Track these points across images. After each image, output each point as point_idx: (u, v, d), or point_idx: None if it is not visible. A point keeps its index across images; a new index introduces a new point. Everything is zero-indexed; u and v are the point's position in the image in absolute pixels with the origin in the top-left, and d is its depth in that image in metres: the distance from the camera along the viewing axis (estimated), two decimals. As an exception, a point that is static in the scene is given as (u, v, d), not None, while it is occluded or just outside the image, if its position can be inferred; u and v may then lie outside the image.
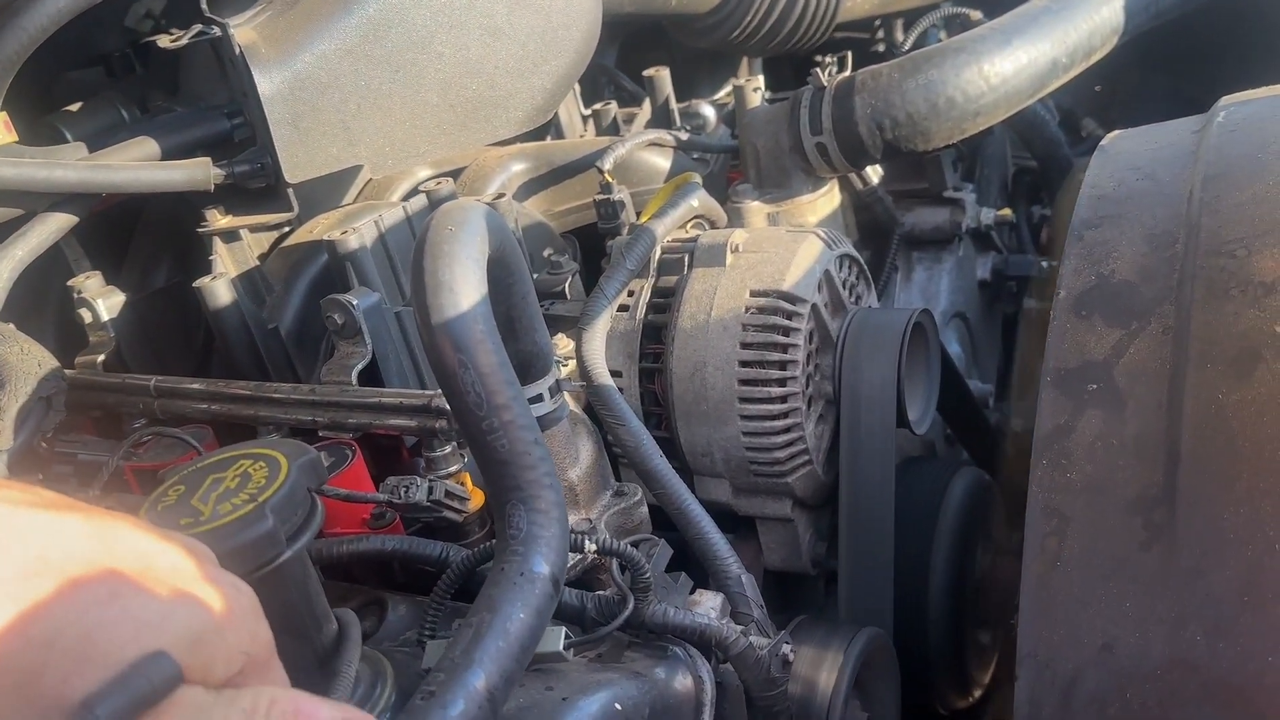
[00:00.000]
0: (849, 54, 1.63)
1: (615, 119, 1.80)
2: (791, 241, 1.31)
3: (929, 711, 1.51)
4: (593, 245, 1.58)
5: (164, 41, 1.28)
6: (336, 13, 1.26)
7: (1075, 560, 0.89)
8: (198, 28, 1.26)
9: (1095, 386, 0.95)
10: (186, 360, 1.47)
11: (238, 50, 1.21)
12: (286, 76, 1.23)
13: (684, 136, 1.68)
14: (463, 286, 0.86)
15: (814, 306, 1.28)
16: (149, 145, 1.28)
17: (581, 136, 1.84)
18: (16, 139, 1.00)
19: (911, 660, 1.32)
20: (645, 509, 1.14)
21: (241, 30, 1.23)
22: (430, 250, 0.87)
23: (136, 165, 1.25)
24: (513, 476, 0.86)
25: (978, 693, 1.59)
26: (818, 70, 1.56)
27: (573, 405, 1.18)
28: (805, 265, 1.28)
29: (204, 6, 1.30)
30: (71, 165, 1.20)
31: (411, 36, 1.31)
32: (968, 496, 1.47)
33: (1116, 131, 1.35)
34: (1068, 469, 0.92)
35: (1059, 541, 0.90)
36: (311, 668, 0.82)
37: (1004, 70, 1.55)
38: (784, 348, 1.24)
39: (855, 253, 1.40)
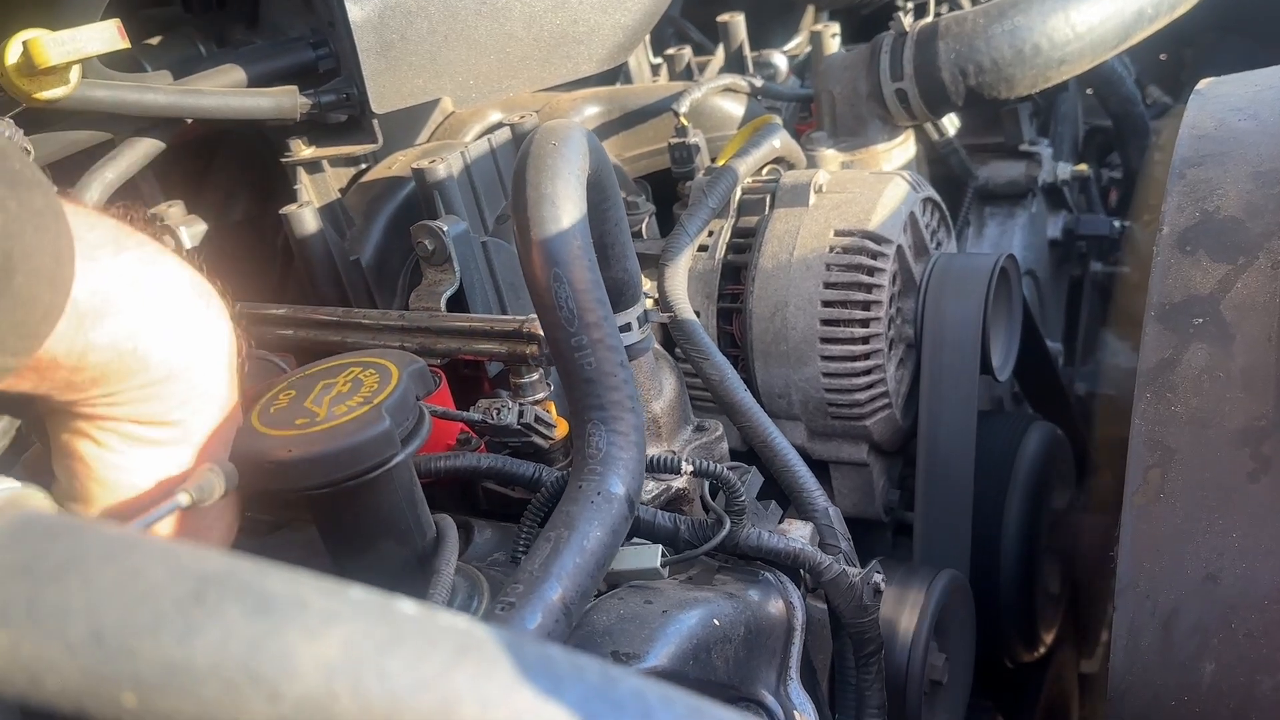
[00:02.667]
0: (930, 1, 1.61)
1: (689, 64, 1.79)
2: (876, 182, 1.29)
3: (995, 663, 1.51)
4: (664, 191, 1.57)
5: (254, -31, 1.28)
6: (426, -59, 1.26)
7: (1179, 492, 0.88)
8: (287, -45, 1.26)
9: (1201, 320, 0.94)
10: (264, 292, 1.48)
11: (329, -23, 1.21)
12: (376, 4, 1.23)
13: (758, 83, 1.66)
14: (564, 201, 0.86)
15: (899, 248, 1.27)
16: (236, 74, 1.28)
17: (653, 83, 1.83)
18: (130, 45, 1.01)
19: (982, 610, 1.32)
20: (725, 444, 1.14)
21: (332, -42, 1.23)
22: (534, 163, 0.87)
23: (225, 91, 1.26)
24: (596, 395, 0.86)
25: (1042, 649, 1.58)
26: (900, 15, 1.54)
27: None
28: (891, 206, 1.26)
29: (291, -64, 1.31)
30: (162, 90, 1.20)
31: (499, -32, 1.31)
32: (1042, 450, 1.46)
33: (1209, 79, 1.33)
34: (1172, 402, 0.91)
35: (1163, 474, 0.89)
36: (414, 569, 0.83)
37: (1090, 18, 1.52)
38: (868, 288, 1.23)
39: (937, 197, 1.39)
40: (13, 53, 0.94)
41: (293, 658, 0.33)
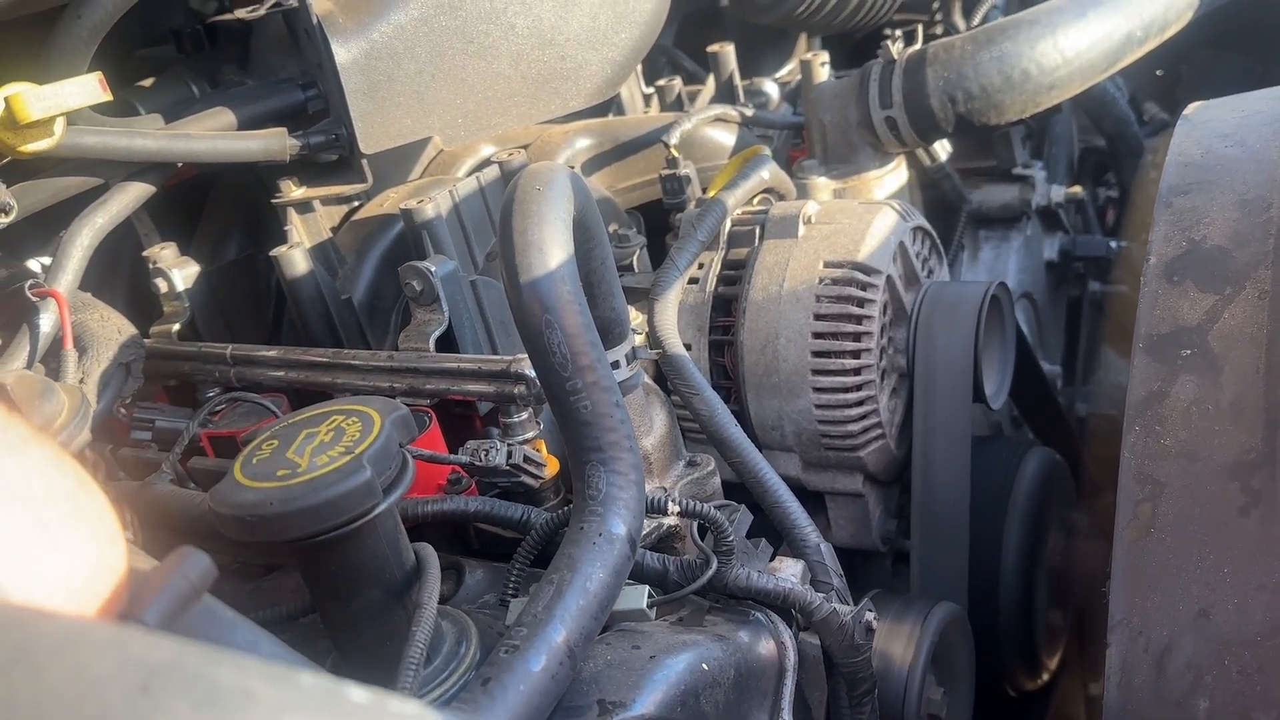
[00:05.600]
0: (919, 28, 1.61)
1: (680, 95, 1.79)
2: (865, 213, 1.29)
3: (997, 692, 1.50)
4: (656, 222, 1.57)
5: (242, 12, 1.29)
6: (412, -18, 1.26)
7: (1170, 526, 0.87)
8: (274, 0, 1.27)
9: (1189, 352, 0.93)
10: (257, 331, 1.48)
11: (315, 20, 1.22)
12: (363, 46, 1.24)
13: (749, 112, 1.67)
14: (551, 246, 0.86)
15: (889, 278, 1.26)
16: (225, 116, 1.29)
17: (645, 114, 1.84)
18: (112, 98, 1.01)
19: (982, 639, 1.31)
20: (718, 479, 1.14)
21: (318, 1, 1.24)
22: (519, 209, 0.87)
23: (214, 135, 1.26)
24: (594, 438, 0.86)
25: (1045, 676, 1.57)
26: (888, 43, 1.55)
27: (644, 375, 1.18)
28: (880, 236, 1.26)
29: (279, -22, 1.31)
30: (151, 135, 1.21)
31: (484, 7, 1.31)
32: (1040, 476, 1.45)
33: (1198, 102, 1.32)
34: (1161, 435, 0.90)
35: (1153, 508, 0.88)
36: (399, 610, 0.82)
37: (1079, 43, 1.52)
38: (859, 319, 1.23)
39: (928, 225, 1.39)
40: (-4, 108, 0.95)
41: (239, 753, 0.33)
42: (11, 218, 0.97)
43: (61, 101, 0.94)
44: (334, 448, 0.78)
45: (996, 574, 1.39)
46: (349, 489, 0.74)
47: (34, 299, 1.14)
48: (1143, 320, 0.97)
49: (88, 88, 0.95)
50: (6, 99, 0.94)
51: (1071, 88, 1.55)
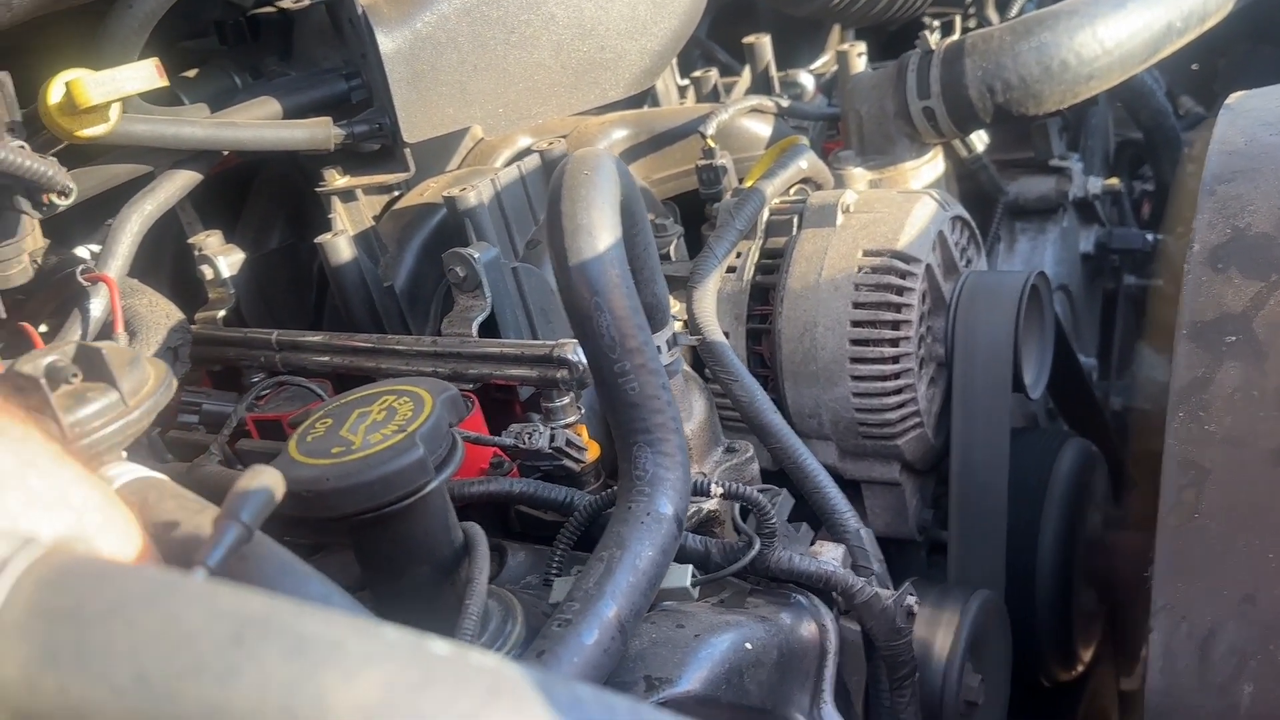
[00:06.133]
0: (956, 19, 1.61)
1: (716, 86, 1.80)
2: (904, 202, 1.30)
3: (1031, 682, 1.50)
4: (691, 212, 1.58)
5: (286, 3, 1.30)
6: (455, -28, 1.28)
7: (1214, 512, 0.87)
8: (320, -11, 1.29)
9: (1233, 339, 0.93)
10: (300, 318, 1.50)
11: (360, 10, 1.23)
12: (407, 36, 1.25)
13: (785, 103, 1.67)
14: (600, 230, 0.87)
15: (928, 267, 1.27)
16: (271, 105, 1.31)
17: (680, 105, 1.84)
18: (168, 83, 1.03)
19: (1018, 629, 1.31)
20: (756, 466, 1.15)
21: (363, -10, 1.25)
22: (568, 194, 0.88)
23: (260, 124, 1.28)
24: (641, 419, 0.88)
25: (1080, 668, 1.57)
26: (926, 33, 1.55)
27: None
28: (919, 225, 1.27)
29: (324, -30, 1.33)
30: (199, 123, 1.23)
31: (526, -2, 1.33)
32: (1077, 467, 1.45)
33: (1240, 92, 1.32)
34: (1205, 421, 0.90)
35: (1197, 493, 0.88)
36: (448, 588, 0.84)
37: (1118, 33, 1.52)
38: (898, 307, 1.23)
39: (966, 215, 1.39)
40: (55, 93, 0.96)
41: (329, 699, 0.34)
42: (70, 200, 0.99)
43: (119, 86, 0.96)
44: (387, 426, 0.80)
45: (1033, 564, 1.39)
46: (402, 466, 0.76)
47: (85, 284, 1.16)
48: (1186, 307, 0.97)
49: (144, 73, 0.97)
50: (67, 84, 0.96)
51: (1110, 78, 1.54)
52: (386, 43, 1.23)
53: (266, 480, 0.60)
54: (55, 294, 1.21)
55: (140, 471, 0.78)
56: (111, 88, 0.96)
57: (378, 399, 0.84)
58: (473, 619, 0.75)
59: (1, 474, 0.45)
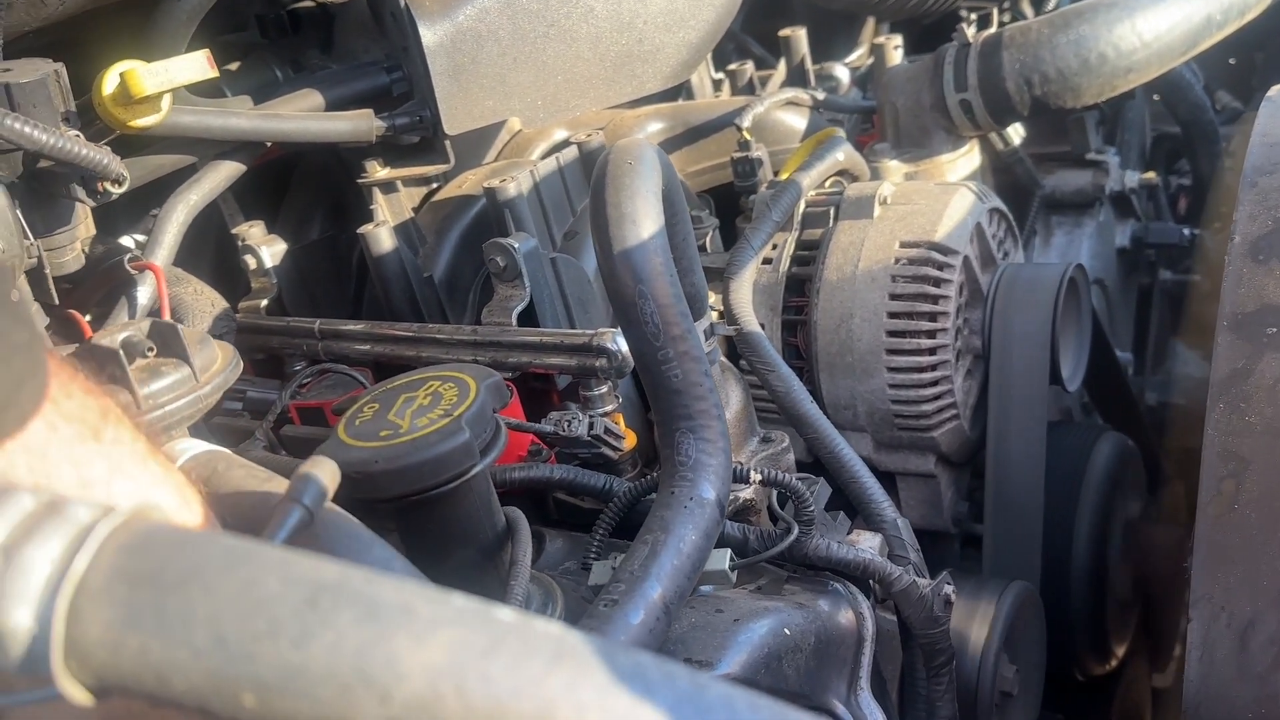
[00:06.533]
0: (993, 11, 1.61)
1: (751, 79, 1.80)
2: (942, 194, 1.30)
3: (1065, 676, 1.49)
4: (727, 205, 1.59)
5: (330, -4, 1.32)
6: (495, -35, 1.29)
7: (1254, 502, 0.87)
8: (361, -18, 1.31)
9: (1275, 330, 0.93)
10: (340, 309, 1.52)
11: (402, 3, 1.25)
12: (448, 29, 1.26)
13: (820, 96, 1.67)
14: (643, 219, 0.88)
15: (965, 259, 1.27)
16: (313, 98, 1.33)
17: (715, 98, 1.85)
18: (218, 74, 1.05)
19: (1052, 623, 1.31)
20: (792, 456, 1.15)
21: (404, -16, 1.27)
22: (612, 183, 0.89)
23: (304, 116, 1.30)
24: (684, 406, 0.89)
25: (1114, 662, 1.56)
26: (963, 26, 1.54)
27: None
28: (957, 217, 1.27)
29: (365, -37, 1.35)
30: (244, 114, 1.25)
31: (566, -11, 1.34)
32: (1113, 461, 1.44)
33: (1281, 85, 1.31)
34: (1246, 412, 0.90)
35: (1237, 484, 0.88)
36: (491, 570, 0.85)
37: (1157, 26, 1.51)
38: (935, 299, 1.23)
39: (1004, 207, 1.39)
40: (110, 83, 0.99)
41: (401, 662, 0.35)
42: (123, 188, 1.01)
43: (172, 77, 0.98)
44: (433, 411, 0.81)
45: (1068, 558, 1.39)
46: (449, 449, 0.77)
47: (133, 272, 1.18)
48: (1227, 299, 0.97)
49: (196, 64, 0.99)
50: (121, 75, 0.98)
51: (1149, 71, 1.53)
52: (429, 35, 1.25)
53: (326, 468, 0.62)
54: (103, 282, 1.23)
55: (205, 446, 0.80)
56: (164, 78, 0.98)
57: (423, 384, 0.86)
58: (518, 599, 0.77)
59: (79, 447, 0.46)
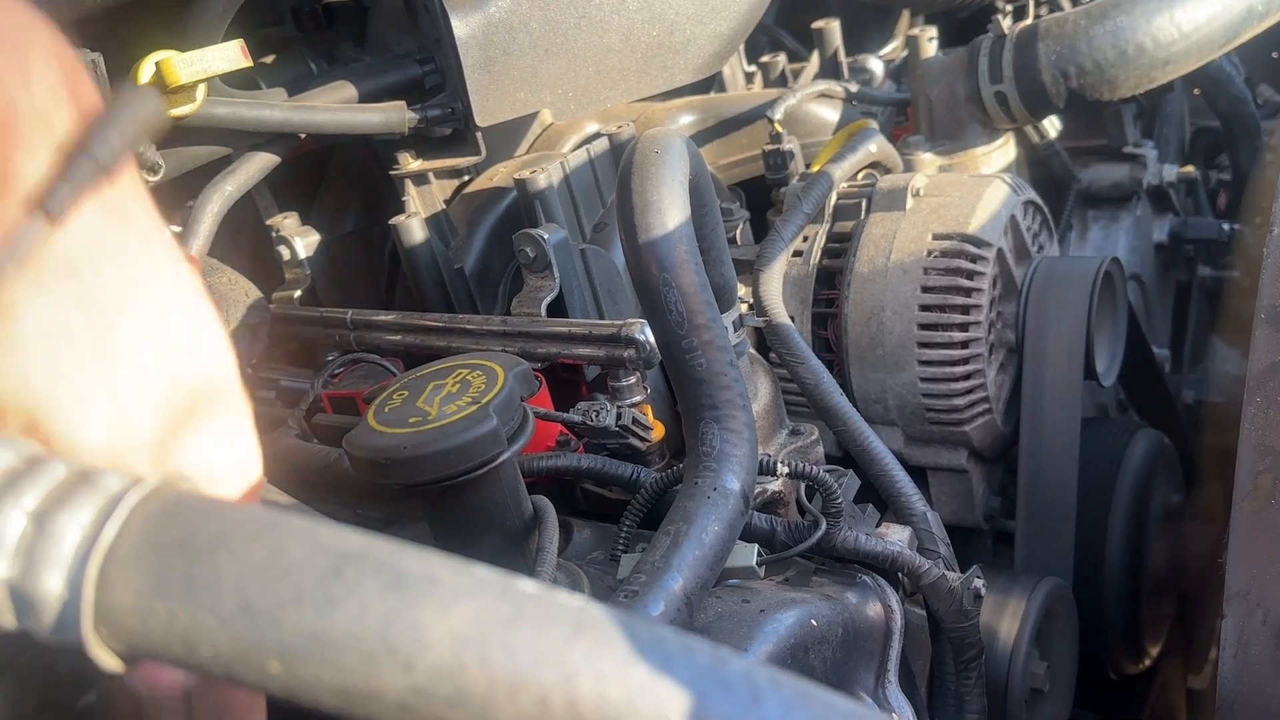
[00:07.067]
0: (1030, 3, 1.59)
1: (784, 72, 1.80)
2: (975, 186, 1.29)
3: (1098, 674, 1.48)
4: (757, 198, 1.58)
5: (365, -10, 1.33)
6: (527, -43, 1.30)
7: (1292, 498, 0.85)
8: (395, -25, 1.31)
9: (1315, 323, 0.91)
10: (372, 300, 1.53)
11: (435, -5, 1.25)
12: (480, 21, 1.27)
13: (853, 88, 1.67)
14: (669, 207, 0.88)
15: (999, 251, 1.26)
16: (347, 90, 1.34)
17: (747, 90, 1.84)
18: (253, 64, 1.06)
19: (1086, 620, 1.30)
20: (821, 449, 1.15)
21: (437, -24, 1.27)
22: (638, 171, 0.89)
23: (337, 108, 1.31)
24: (708, 395, 0.88)
25: (1147, 661, 1.55)
26: (998, 17, 1.53)
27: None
28: (990, 209, 1.26)
29: (399, -44, 1.36)
30: (278, 106, 1.26)
31: (597, -18, 1.34)
32: (1148, 457, 1.43)
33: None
34: (1284, 406, 0.89)
35: (1273, 479, 0.87)
36: (518, 558, 0.85)
37: (1196, 17, 1.49)
38: (968, 292, 1.23)
39: (1039, 199, 1.37)
40: (145, 72, 1.00)
41: (425, 630, 0.35)
42: (159, 177, 1.02)
43: (207, 66, 0.99)
44: (461, 398, 0.82)
45: (1102, 555, 1.38)
46: (477, 436, 0.77)
47: (169, 261, 1.19)
48: (1265, 292, 0.95)
49: (231, 54, 1.00)
50: (157, 64, 0.99)
51: (1188, 63, 1.51)
52: (461, 27, 1.25)
53: (137, 100, 0.46)
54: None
55: None
56: (200, 67, 0.99)
57: (452, 372, 0.86)
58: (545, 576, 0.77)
59: None
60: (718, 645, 0.38)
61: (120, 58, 1.26)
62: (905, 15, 2.38)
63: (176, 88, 1.00)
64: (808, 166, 1.50)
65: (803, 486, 0.96)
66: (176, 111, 1.06)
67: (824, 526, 0.90)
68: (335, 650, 0.35)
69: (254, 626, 0.36)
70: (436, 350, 1.22)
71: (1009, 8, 1.56)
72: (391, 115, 1.31)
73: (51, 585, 0.37)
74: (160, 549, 0.37)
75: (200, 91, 1.06)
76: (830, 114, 1.63)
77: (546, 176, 1.24)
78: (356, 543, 0.38)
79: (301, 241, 1.37)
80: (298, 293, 1.39)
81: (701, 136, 1.61)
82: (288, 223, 1.39)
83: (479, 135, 1.35)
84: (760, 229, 1.54)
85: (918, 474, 1.38)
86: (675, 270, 0.87)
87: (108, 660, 0.38)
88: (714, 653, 0.37)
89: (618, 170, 0.93)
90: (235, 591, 0.36)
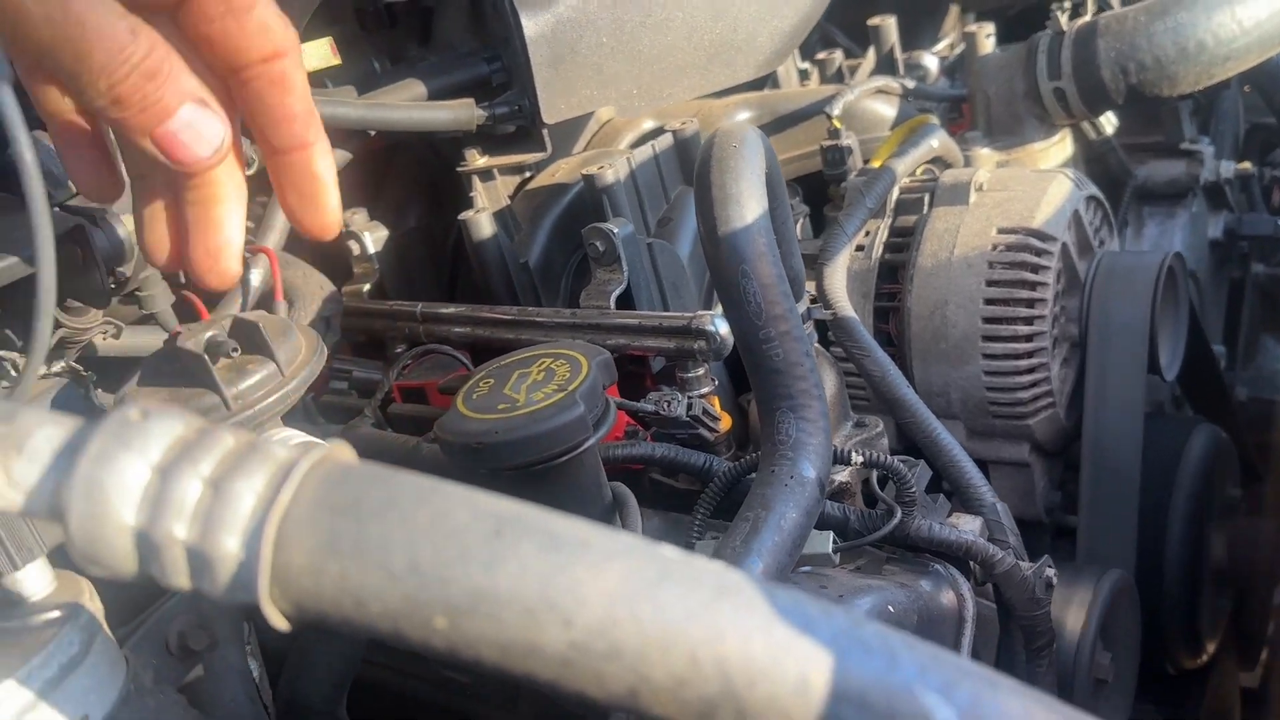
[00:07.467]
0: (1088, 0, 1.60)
1: (840, 68, 1.81)
2: (1039, 180, 1.29)
3: (1156, 668, 1.48)
4: (813, 194, 1.60)
5: (432, -9, 1.36)
6: (595, -44, 1.32)
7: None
8: (466, -25, 1.34)
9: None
10: (436, 292, 1.56)
11: (504, -6, 1.28)
12: (549, 20, 1.29)
13: (910, 85, 1.67)
14: (748, 200, 0.90)
15: (1063, 246, 1.26)
16: (416, 88, 1.37)
17: (802, 86, 1.86)
18: (341, 62, 1.09)
19: (1145, 614, 1.30)
20: (886, 441, 1.16)
21: (507, -25, 1.30)
22: (717, 165, 0.91)
23: (408, 105, 1.34)
24: (784, 385, 0.90)
25: (1205, 657, 1.55)
26: (1057, 13, 1.54)
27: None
28: (1055, 204, 1.26)
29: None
30: (352, 103, 1.29)
31: (664, -21, 1.36)
32: (1207, 453, 1.43)
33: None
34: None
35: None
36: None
37: (1258, 13, 1.48)
38: (1033, 285, 1.23)
39: (1100, 194, 1.38)
40: (237, 70, 1.03)
41: (581, 588, 0.38)
42: (252, 170, 1.05)
43: (299, 64, 1.02)
44: (547, 386, 0.84)
45: (1162, 550, 1.38)
46: (566, 421, 0.80)
47: (246, 255, 1.23)
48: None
49: (321, 52, 1.03)
50: (252, 62, 1.02)
51: (1248, 60, 1.51)
52: (530, 26, 1.28)
53: None
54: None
55: (300, 437, 0.83)
56: (292, 65, 1.02)
57: (535, 361, 0.89)
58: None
59: None
60: (853, 609, 0.40)
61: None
62: (954, 10, 2.38)
63: (268, 85, 1.02)
64: (866, 162, 1.51)
65: (874, 476, 0.98)
66: (265, 107, 1.09)
67: (899, 515, 0.92)
68: (499, 606, 0.37)
69: (422, 584, 0.38)
70: (505, 343, 1.25)
71: (1066, 4, 1.56)
72: (461, 113, 1.34)
73: (230, 546, 0.39)
74: (332, 511, 0.39)
75: (287, 88, 1.09)
76: (887, 110, 1.64)
77: (614, 172, 1.26)
78: (512, 508, 0.40)
79: (371, 237, 1.41)
80: (367, 286, 1.42)
81: (759, 132, 1.62)
82: (357, 218, 1.43)
83: (545, 132, 1.37)
84: (818, 224, 1.55)
85: (979, 467, 1.39)
86: (754, 262, 0.88)
87: (277, 619, 0.40)
88: (852, 616, 0.39)
89: (695, 164, 0.95)
90: (405, 550, 0.38)
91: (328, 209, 0.69)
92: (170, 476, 0.39)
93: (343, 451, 0.42)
